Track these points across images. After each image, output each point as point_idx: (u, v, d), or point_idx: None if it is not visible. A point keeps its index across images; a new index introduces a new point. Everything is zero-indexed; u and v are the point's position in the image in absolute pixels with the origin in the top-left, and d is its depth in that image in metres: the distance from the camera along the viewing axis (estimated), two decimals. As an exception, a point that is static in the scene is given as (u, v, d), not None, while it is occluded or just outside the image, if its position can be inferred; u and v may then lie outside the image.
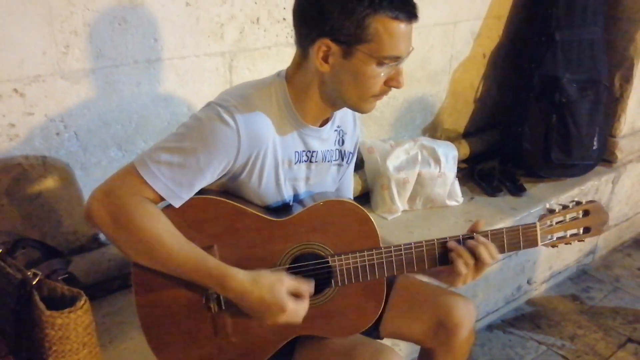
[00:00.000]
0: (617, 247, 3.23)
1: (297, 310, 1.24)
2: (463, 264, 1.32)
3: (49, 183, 1.66)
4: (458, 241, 1.35)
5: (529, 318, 2.61)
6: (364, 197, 2.37)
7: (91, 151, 1.70)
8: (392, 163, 2.28)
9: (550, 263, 2.76)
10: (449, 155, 2.36)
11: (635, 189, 3.13)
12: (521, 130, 2.61)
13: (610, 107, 2.84)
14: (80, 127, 1.65)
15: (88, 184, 1.71)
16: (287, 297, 1.22)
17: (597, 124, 2.63)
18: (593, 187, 2.76)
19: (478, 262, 1.33)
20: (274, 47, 1.93)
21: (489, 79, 2.80)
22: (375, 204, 2.33)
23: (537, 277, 2.72)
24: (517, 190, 2.52)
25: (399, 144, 2.33)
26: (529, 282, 2.67)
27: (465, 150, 2.73)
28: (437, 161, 2.32)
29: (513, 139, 2.66)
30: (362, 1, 1.16)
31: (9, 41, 1.46)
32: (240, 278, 1.22)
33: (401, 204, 2.31)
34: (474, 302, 1.57)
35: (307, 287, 1.27)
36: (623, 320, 2.62)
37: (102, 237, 1.81)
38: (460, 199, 2.41)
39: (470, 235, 1.35)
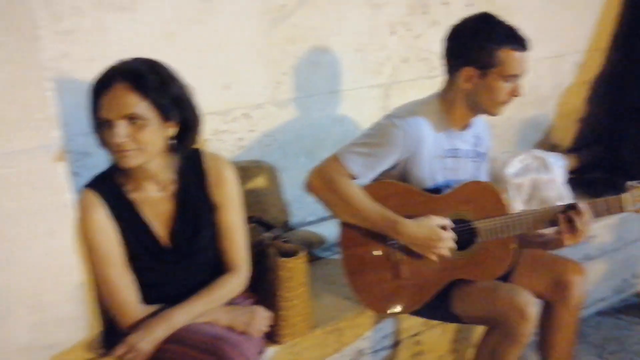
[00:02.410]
0: None
1: (449, 237, 1.75)
2: (564, 224, 1.79)
3: (260, 181, 2.22)
4: (563, 210, 1.80)
5: (637, 307, 2.88)
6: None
7: (289, 158, 2.28)
8: (509, 170, 2.69)
9: (655, 260, 3.02)
10: (557, 164, 2.75)
11: None
12: (621, 144, 2.96)
13: None
14: (283, 140, 2.26)
15: (286, 182, 2.27)
16: (439, 229, 1.75)
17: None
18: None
19: (573, 227, 1.78)
20: (418, 79, 2.46)
21: (591, 102, 3.15)
22: (496, 205, 2.78)
23: (643, 273, 3.01)
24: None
25: (515, 155, 2.75)
26: (634, 276, 2.98)
27: (574, 162, 3.06)
28: (547, 169, 2.72)
29: (615, 151, 3.00)
30: (491, 40, 1.73)
31: (242, 82, 2.10)
32: (407, 222, 1.76)
33: (518, 205, 2.72)
34: (584, 267, 1.99)
35: (447, 220, 1.78)
36: None
37: (291, 223, 2.41)
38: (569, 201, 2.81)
39: (573, 205, 1.80)
